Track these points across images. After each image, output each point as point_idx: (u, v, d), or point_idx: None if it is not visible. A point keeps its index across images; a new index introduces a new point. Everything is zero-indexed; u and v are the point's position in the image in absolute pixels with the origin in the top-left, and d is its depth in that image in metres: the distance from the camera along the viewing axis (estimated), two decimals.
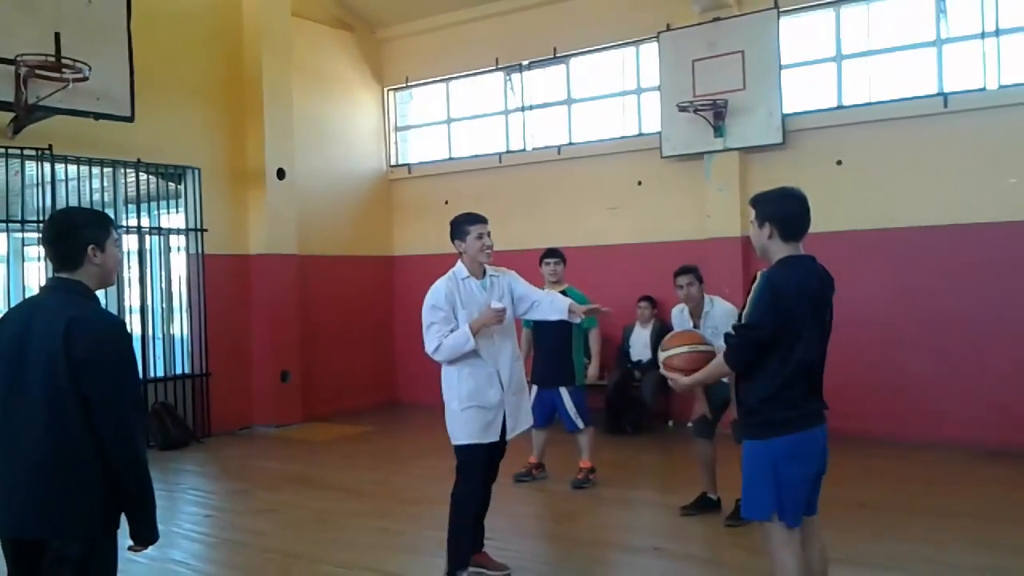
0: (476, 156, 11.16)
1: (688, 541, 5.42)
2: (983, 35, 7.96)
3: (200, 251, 9.50)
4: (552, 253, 6.83)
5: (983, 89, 7.99)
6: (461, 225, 4.59)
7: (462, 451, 4.61)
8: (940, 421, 8.01)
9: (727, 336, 3.42)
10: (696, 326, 5.68)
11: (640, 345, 9.20)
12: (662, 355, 3.78)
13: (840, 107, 8.72)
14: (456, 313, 4.50)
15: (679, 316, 5.88)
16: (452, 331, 4.46)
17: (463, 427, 4.59)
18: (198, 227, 9.48)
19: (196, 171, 9.51)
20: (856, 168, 8.53)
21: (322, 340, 10.74)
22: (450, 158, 11.46)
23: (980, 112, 7.94)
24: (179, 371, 9.49)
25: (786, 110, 8.78)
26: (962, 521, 5.58)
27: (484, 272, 4.64)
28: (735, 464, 3.45)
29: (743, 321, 3.33)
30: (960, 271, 8.02)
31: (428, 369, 11.36)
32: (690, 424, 6.00)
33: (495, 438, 4.61)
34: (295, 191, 10.24)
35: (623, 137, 10.06)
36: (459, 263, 4.64)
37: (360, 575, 4.92)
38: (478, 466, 4.60)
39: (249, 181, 9.97)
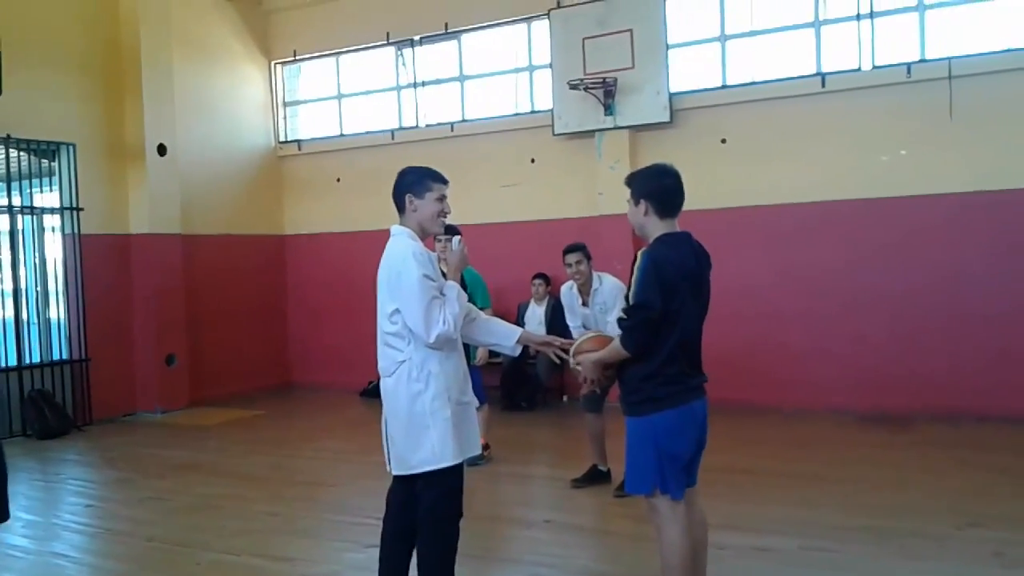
0: (368, 133, 11.00)
1: (578, 513, 5.52)
2: (859, 17, 8.27)
3: (76, 231, 9.07)
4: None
5: (858, 70, 8.32)
6: (423, 179, 3.61)
7: (450, 475, 3.52)
8: (817, 390, 8.38)
9: (620, 321, 3.43)
10: (585, 303, 5.77)
11: (535, 322, 9.26)
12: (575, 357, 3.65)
13: (724, 87, 8.94)
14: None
15: (568, 294, 5.96)
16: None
17: (452, 440, 3.49)
18: (74, 206, 9.04)
19: (71, 147, 9.05)
20: (739, 146, 8.79)
21: (210, 322, 10.45)
22: (341, 135, 11.26)
23: (855, 92, 8.28)
24: (56, 357, 9.07)
25: (673, 89, 8.95)
26: (837, 485, 5.85)
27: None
28: (625, 436, 3.51)
29: (631, 302, 3.36)
30: (837, 246, 8.38)
31: (322, 350, 11.38)
32: (579, 398, 6.11)
33: (478, 449, 3.74)
34: (178, 168, 9.89)
35: (516, 115, 10.07)
36: (402, 228, 3.64)
37: (249, 562, 4.79)
38: (461, 487, 3.62)
39: (128, 157, 9.56)
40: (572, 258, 5.79)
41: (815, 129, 8.47)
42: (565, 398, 9.56)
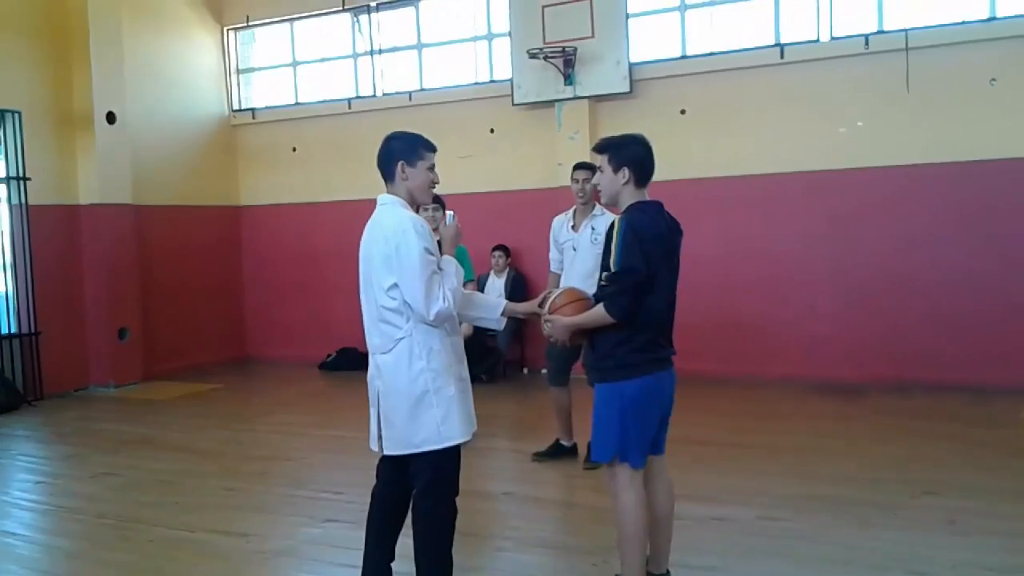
0: (324, 101, 10.81)
1: (540, 485, 5.51)
2: None
3: (23, 201, 8.80)
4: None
5: (816, 41, 8.34)
6: (415, 147, 3.45)
7: (448, 456, 3.41)
8: (772, 359, 8.48)
9: (602, 288, 3.37)
10: (576, 227, 5.64)
11: (495, 294, 9.20)
12: (548, 313, 3.55)
13: (684, 57, 8.92)
14: None
15: (560, 227, 5.79)
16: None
17: (456, 418, 3.38)
18: (20, 175, 8.76)
19: (16, 114, 8.75)
20: (699, 117, 8.78)
21: (164, 295, 10.26)
22: (297, 103, 11.04)
23: (814, 63, 8.30)
24: (4, 331, 8.83)
25: (633, 59, 8.90)
26: (792, 455, 5.92)
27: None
28: (591, 410, 3.48)
29: (614, 269, 3.29)
30: (793, 217, 8.44)
31: (280, 323, 11.25)
32: (544, 371, 6.06)
33: (474, 426, 3.55)
34: (128, 136, 9.64)
35: (475, 84, 9.95)
36: (393, 197, 3.47)
37: (204, 538, 4.71)
38: (459, 468, 3.50)
39: (76, 125, 9.29)
40: (580, 175, 5.59)
41: (774, 100, 8.49)
42: (526, 370, 9.56)
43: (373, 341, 3.48)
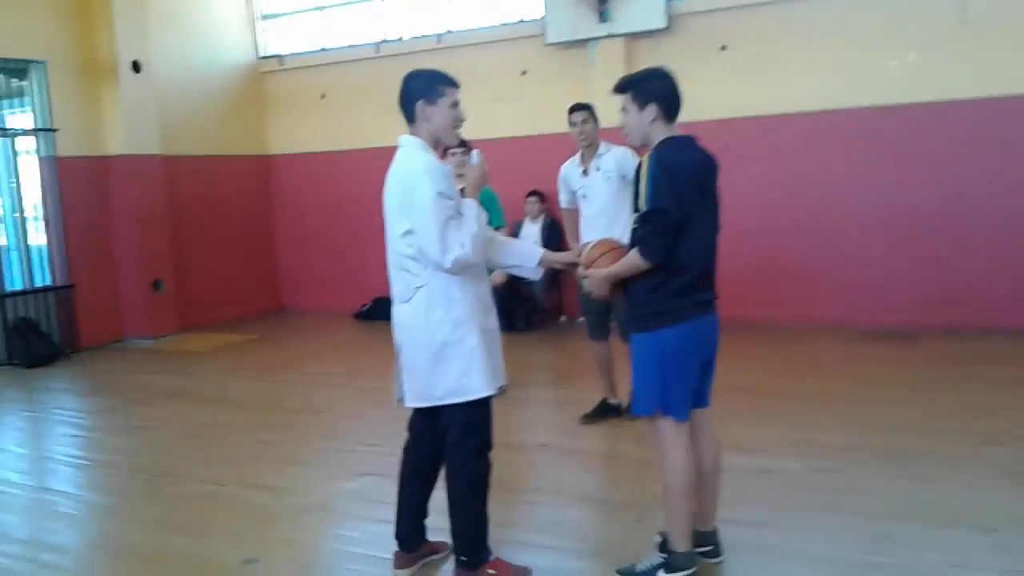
0: (352, 47, 10.53)
1: (580, 437, 5.34)
2: None
3: (52, 153, 8.71)
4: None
5: None
6: (434, 83, 3.22)
7: (477, 407, 3.25)
8: (818, 304, 8.20)
9: (634, 231, 3.13)
10: (586, 171, 5.38)
11: (530, 240, 9.00)
12: (583, 267, 3.33)
13: None
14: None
15: (570, 174, 5.50)
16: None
17: (479, 370, 3.20)
18: (48, 127, 8.66)
19: (41, 64, 8.62)
20: (740, 54, 8.39)
21: (196, 246, 10.18)
22: (324, 49, 10.77)
23: None
24: (39, 284, 8.81)
25: None
26: (842, 403, 5.67)
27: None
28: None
29: (645, 210, 3.06)
30: (841, 157, 8.07)
31: (313, 273, 11.15)
32: (582, 319, 5.82)
33: (504, 378, 3.40)
34: (154, 86, 9.46)
35: (505, 24, 9.61)
36: (413, 138, 3.25)
37: (236, 492, 4.63)
38: (490, 420, 3.34)
39: (102, 75, 9.11)
40: (578, 117, 5.30)
41: (819, 34, 8.06)
42: (563, 318, 9.37)
43: (394, 290, 3.32)
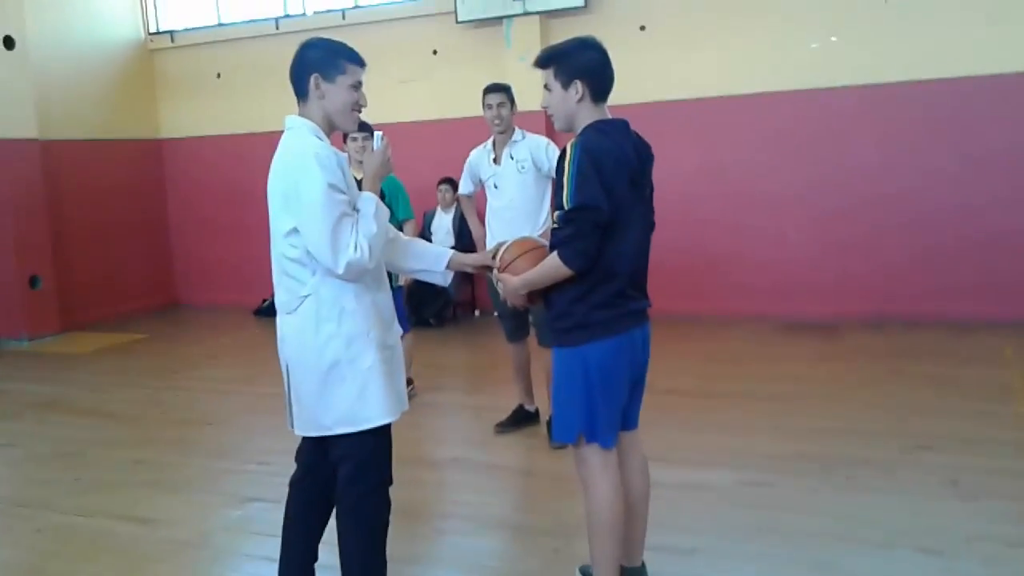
0: (250, 22, 9.84)
1: (493, 449, 4.92)
2: None
3: None
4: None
5: None
6: (335, 57, 2.69)
7: (374, 437, 2.75)
8: (742, 296, 7.96)
9: (555, 231, 2.67)
10: (497, 159, 4.91)
11: (442, 232, 8.54)
12: (498, 271, 2.90)
13: None
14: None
15: (479, 162, 5.02)
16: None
17: (376, 394, 2.71)
18: None
19: None
20: (660, 34, 8.06)
21: (81, 238, 9.40)
22: (219, 24, 10.04)
23: None
24: None
25: None
26: (769, 404, 5.40)
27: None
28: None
29: (567, 207, 2.60)
30: (762, 143, 7.84)
31: (211, 266, 10.43)
32: (498, 314, 5.36)
33: (406, 403, 2.92)
34: (30, 64, 8.65)
35: (415, 1, 9.06)
36: (303, 120, 2.75)
37: (101, 525, 4.04)
38: (390, 452, 2.87)
39: None
40: (494, 99, 4.82)
41: (741, 15, 7.78)
42: (477, 312, 8.94)
43: (278, 299, 2.81)
